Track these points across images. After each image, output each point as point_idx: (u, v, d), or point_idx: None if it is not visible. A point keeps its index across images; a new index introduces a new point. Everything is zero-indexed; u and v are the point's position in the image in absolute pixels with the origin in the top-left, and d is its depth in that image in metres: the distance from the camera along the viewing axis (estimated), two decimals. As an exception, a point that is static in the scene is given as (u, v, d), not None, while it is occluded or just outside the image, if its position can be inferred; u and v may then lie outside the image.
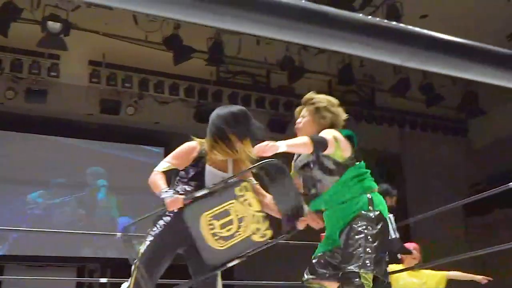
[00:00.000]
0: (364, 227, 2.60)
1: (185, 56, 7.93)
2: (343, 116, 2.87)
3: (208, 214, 2.55)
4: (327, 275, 2.71)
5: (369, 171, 2.81)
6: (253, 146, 2.64)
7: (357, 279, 2.50)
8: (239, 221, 2.56)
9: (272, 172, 2.62)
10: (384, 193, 3.27)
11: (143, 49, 8.24)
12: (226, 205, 2.57)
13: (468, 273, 5.16)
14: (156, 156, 9.95)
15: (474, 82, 9.89)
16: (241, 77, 9.22)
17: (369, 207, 2.66)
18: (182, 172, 2.79)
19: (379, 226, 2.63)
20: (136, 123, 9.18)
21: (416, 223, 9.84)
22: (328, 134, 2.65)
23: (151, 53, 8.29)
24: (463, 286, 5.40)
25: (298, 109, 2.92)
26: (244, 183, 2.61)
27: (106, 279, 5.16)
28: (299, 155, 2.88)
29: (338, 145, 2.64)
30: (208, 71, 8.84)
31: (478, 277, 4.87)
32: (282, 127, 9.33)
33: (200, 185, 2.70)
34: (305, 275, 2.82)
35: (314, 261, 2.79)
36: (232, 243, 2.55)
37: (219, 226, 2.55)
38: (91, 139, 9.54)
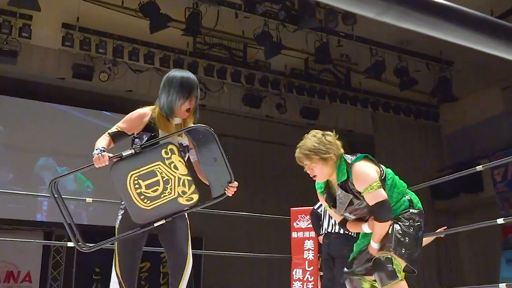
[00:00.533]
0: (406, 219, 2.80)
1: (161, 24, 7.79)
2: (338, 142, 2.88)
3: (134, 174, 2.58)
4: (364, 271, 2.87)
5: (391, 172, 2.94)
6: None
7: (390, 265, 2.65)
8: (165, 182, 2.59)
9: (198, 137, 2.63)
10: None
11: (119, 15, 8.07)
12: (152, 166, 2.59)
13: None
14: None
15: (448, 68, 10.01)
16: (218, 50, 9.13)
17: (410, 205, 2.87)
18: (137, 140, 2.78)
19: (420, 221, 2.83)
20: (109, 90, 9.04)
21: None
22: (371, 186, 2.73)
23: (127, 20, 8.13)
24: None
25: (299, 159, 2.85)
26: (170, 146, 2.60)
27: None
28: (331, 195, 2.93)
29: (378, 182, 2.74)
30: (184, 42, 8.73)
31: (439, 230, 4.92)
32: (257, 102, 9.32)
33: None
34: (345, 269, 3.00)
35: (353, 261, 2.95)
36: (159, 203, 2.59)
37: (145, 186, 2.58)
38: (61, 103, 9.37)
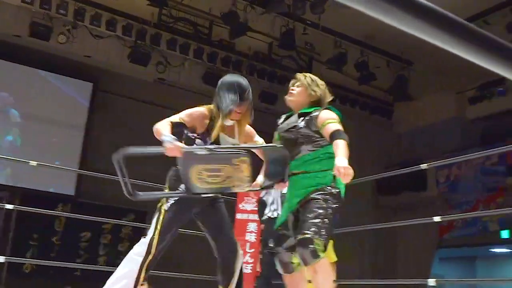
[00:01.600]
0: (325, 199, 2.85)
1: (127, -8, 7.61)
2: (329, 97, 3.17)
3: (200, 167, 2.70)
4: (286, 246, 2.95)
5: None
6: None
7: (312, 245, 2.72)
8: (226, 177, 2.74)
9: (272, 153, 2.94)
10: None
11: (84, -24, 7.83)
12: (219, 166, 2.73)
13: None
14: (83, 90, 9.64)
15: (407, 68, 10.19)
16: (183, 24, 9.00)
17: (332, 183, 2.90)
18: (199, 141, 2.87)
19: (338, 203, 2.89)
20: (66, 53, 8.78)
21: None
22: (336, 121, 2.94)
23: (92, -17, 7.90)
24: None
25: (292, 81, 3.20)
26: (244, 157, 2.73)
27: (13, 206, 4.97)
28: (286, 118, 3.16)
29: (339, 121, 2.95)
30: (149, 12, 8.56)
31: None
32: (217, 81, 9.24)
33: None
34: (270, 244, 3.08)
35: (279, 232, 3.01)
36: (214, 186, 2.76)
37: (207, 175, 2.71)
38: (15, 62, 9.04)
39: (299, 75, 3.19)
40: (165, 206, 2.83)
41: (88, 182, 9.24)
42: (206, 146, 2.75)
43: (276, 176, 2.89)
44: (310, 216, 2.79)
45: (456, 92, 10.62)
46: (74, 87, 9.56)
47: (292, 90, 3.13)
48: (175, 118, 2.84)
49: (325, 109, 3.04)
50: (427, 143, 10.57)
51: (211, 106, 2.96)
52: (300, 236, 2.76)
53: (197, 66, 9.28)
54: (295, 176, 2.97)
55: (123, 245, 9.64)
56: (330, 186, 2.90)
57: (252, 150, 2.84)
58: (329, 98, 3.15)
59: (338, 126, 2.88)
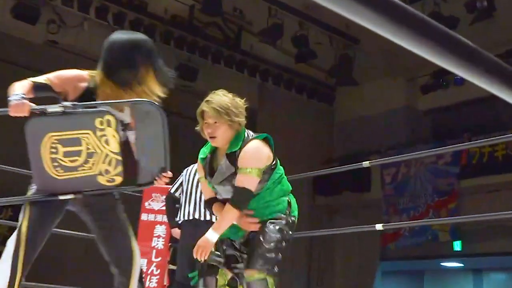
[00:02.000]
0: (280, 230, 3.00)
1: None
2: (245, 111, 3.09)
3: (54, 136, 2.55)
4: (222, 261, 3.03)
5: (283, 171, 3.14)
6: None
7: (265, 286, 2.92)
8: (88, 155, 2.58)
9: (142, 113, 2.66)
10: None
11: None
12: (79, 133, 2.58)
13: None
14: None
15: (352, 47, 10.41)
16: (83, -25, 8.75)
17: (287, 210, 3.08)
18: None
19: (291, 232, 3.08)
20: None
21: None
22: (250, 171, 2.94)
23: None
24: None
25: (206, 113, 3.01)
26: (108, 116, 2.57)
27: None
28: (210, 158, 3.11)
29: (259, 171, 2.95)
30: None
31: None
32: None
33: None
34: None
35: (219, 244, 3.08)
36: (73, 176, 2.59)
37: (63, 153, 2.56)
38: None
39: (211, 110, 2.97)
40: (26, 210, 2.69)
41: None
42: (63, 104, 2.59)
43: (154, 163, 2.65)
44: (263, 248, 2.93)
45: (406, 79, 10.96)
46: None
47: (211, 132, 2.99)
48: (40, 78, 2.70)
49: (253, 139, 3.03)
50: (373, 136, 10.84)
51: (93, 72, 2.83)
52: (252, 274, 2.91)
53: (100, 28, 9.04)
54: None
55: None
56: (285, 215, 3.05)
57: (119, 108, 2.68)
58: (245, 114, 3.10)
59: (245, 182, 2.94)
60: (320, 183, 10.81)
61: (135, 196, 5.58)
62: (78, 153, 2.58)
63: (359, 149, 10.66)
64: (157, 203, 5.39)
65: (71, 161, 2.58)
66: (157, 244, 5.30)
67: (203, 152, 3.12)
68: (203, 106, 3.00)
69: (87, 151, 2.58)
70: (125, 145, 2.68)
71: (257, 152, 2.97)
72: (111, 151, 2.60)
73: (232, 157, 2.99)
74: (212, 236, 2.89)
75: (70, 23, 8.76)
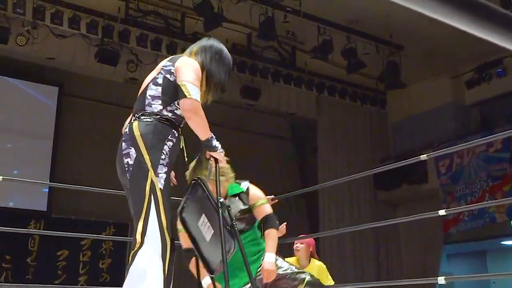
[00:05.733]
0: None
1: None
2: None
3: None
4: None
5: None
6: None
7: None
8: None
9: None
10: None
11: (41, -29, 7.77)
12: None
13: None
14: (49, 95, 9.58)
15: (397, 53, 10.26)
16: (153, 18, 8.97)
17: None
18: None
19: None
20: (27, 56, 8.72)
21: (324, 193, 10.26)
22: (268, 206, 3.30)
23: (51, -22, 7.85)
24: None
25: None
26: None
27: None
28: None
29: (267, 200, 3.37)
30: (115, 7, 8.51)
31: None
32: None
33: None
34: None
35: None
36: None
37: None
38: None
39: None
40: (159, 184, 2.40)
41: (60, 195, 9.20)
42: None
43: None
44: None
45: (451, 77, 10.72)
46: (39, 92, 9.50)
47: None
48: (199, 92, 2.54)
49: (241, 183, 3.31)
50: (425, 132, 10.65)
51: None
52: None
53: (171, 62, 9.26)
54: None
55: (105, 261, 9.60)
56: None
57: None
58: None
59: (267, 207, 3.24)
60: (380, 179, 10.65)
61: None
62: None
63: (412, 145, 10.50)
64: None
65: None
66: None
67: None
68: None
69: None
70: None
71: (258, 190, 3.31)
72: None
73: (236, 195, 3.25)
74: (273, 258, 3.05)
75: (145, 61, 8.98)
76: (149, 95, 2.59)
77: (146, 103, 2.57)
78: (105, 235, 9.38)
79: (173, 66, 2.62)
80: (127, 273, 2.33)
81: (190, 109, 2.49)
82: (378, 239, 10.79)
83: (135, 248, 2.31)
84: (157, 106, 2.56)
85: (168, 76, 2.60)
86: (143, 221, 2.31)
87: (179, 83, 2.52)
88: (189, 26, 9.13)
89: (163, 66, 2.67)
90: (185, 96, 2.48)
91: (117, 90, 9.97)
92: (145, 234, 2.29)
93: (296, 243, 5.05)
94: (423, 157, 3.73)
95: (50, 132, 9.45)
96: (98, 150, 9.56)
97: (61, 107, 9.66)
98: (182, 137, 2.62)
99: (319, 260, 5.19)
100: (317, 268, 5.02)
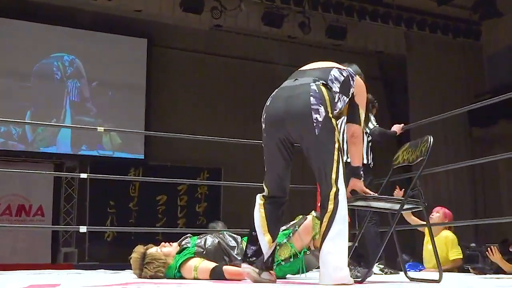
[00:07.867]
0: None
1: None
2: None
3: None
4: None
5: None
6: None
7: None
8: None
9: None
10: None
11: None
12: None
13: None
14: (138, 48, 9.85)
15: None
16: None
17: None
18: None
19: None
20: (115, 10, 8.96)
21: (417, 130, 10.01)
22: None
23: None
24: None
25: None
26: None
27: (87, 175, 5.27)
28: None
29: None
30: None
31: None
32: (278, 21, 9.14)
33: None
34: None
35: None
36: None
37: None
38: (62, 25, 9.35)
39: None
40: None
41: (156, 143, 9.59)
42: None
43: None
44: None
45: (554, 1, 9.95)
46: (128, 45, 9.79)
47: None
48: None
49: None
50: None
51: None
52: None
53: (255, 6, 9.19)
54: None
55: (201, 205, 10.01)
56: None
57: None
58: None
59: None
60: (476, 115, 10.23)
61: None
62: None
63: (510, 78, 9.95)
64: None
65: None
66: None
67: None
68: None
69: None
70: None
71: None
72: None
73: None
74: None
75: (228, 7, 8.98)
76: (333, 75, 2.88)
77: (329, 78, 2.86)
78: (200, 180, 9.71)
79: (354, 80, 2.96)
80: (335, 213, 2.64)
81: (359, 136, 2.95)
82: (474, 176, 10.47)
83: (332, 192, 2.66)
84: (336, 88, 2.86)
85: (349, 78, 2.94)
86: (336, 169, 2.68)
87: (360, 108, 2.96)
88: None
89: (346, 69, 2.99)
90: (359, 123, 2.92)
91: (203, 38, 10.10)
92: (338, 179, 2.68)
93: (434, 211, 5.15)
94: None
95: (142, 82, 9.78)
96: (188, 97, 9.82)
97: (151, 58, 9.92)
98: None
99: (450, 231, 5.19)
100: (444, 237, 5.06)
